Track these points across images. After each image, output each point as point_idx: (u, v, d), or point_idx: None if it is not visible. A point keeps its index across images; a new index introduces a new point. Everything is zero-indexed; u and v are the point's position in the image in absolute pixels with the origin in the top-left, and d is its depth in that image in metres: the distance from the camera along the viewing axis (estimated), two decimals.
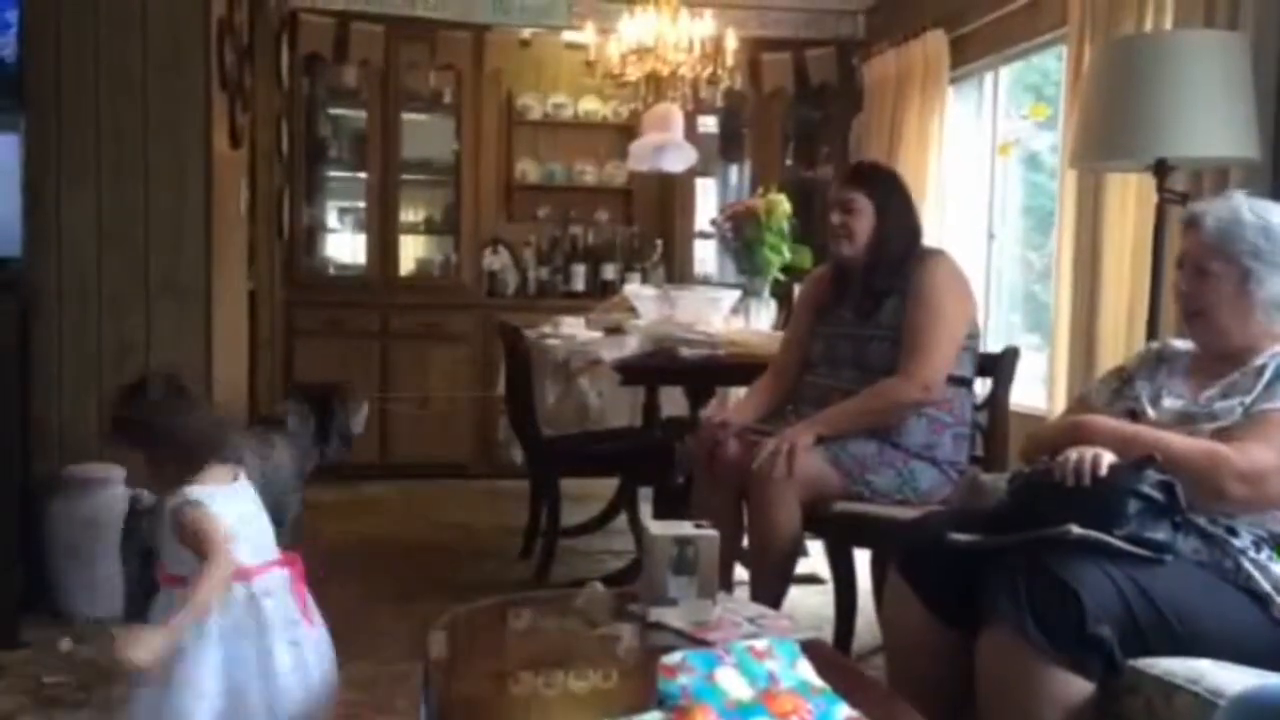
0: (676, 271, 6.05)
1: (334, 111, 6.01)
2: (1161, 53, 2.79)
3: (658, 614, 1.90)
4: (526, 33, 5.94)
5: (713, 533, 1.98)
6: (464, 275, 5.97)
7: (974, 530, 1.92)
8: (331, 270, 6.04)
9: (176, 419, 1.88)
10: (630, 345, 3.57)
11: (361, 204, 5.94)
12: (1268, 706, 1.45)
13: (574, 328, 4.07)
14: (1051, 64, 4.62)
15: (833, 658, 1.84)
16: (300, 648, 1.90)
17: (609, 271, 6.05)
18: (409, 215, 6.03)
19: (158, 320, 3.50)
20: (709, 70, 4.58)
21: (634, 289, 4.35)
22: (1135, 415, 2.03)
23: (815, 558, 3.44)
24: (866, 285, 2.88)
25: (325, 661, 1.96)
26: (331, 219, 6.11)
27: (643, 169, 5.13)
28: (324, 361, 5.33)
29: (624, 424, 4.31)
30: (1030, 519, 1.82)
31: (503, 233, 6.08)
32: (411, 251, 6.10)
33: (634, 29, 4.55)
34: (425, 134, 6.03)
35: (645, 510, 4.00)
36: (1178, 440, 1.91)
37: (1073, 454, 1.85)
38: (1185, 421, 1.96)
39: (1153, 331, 2.83)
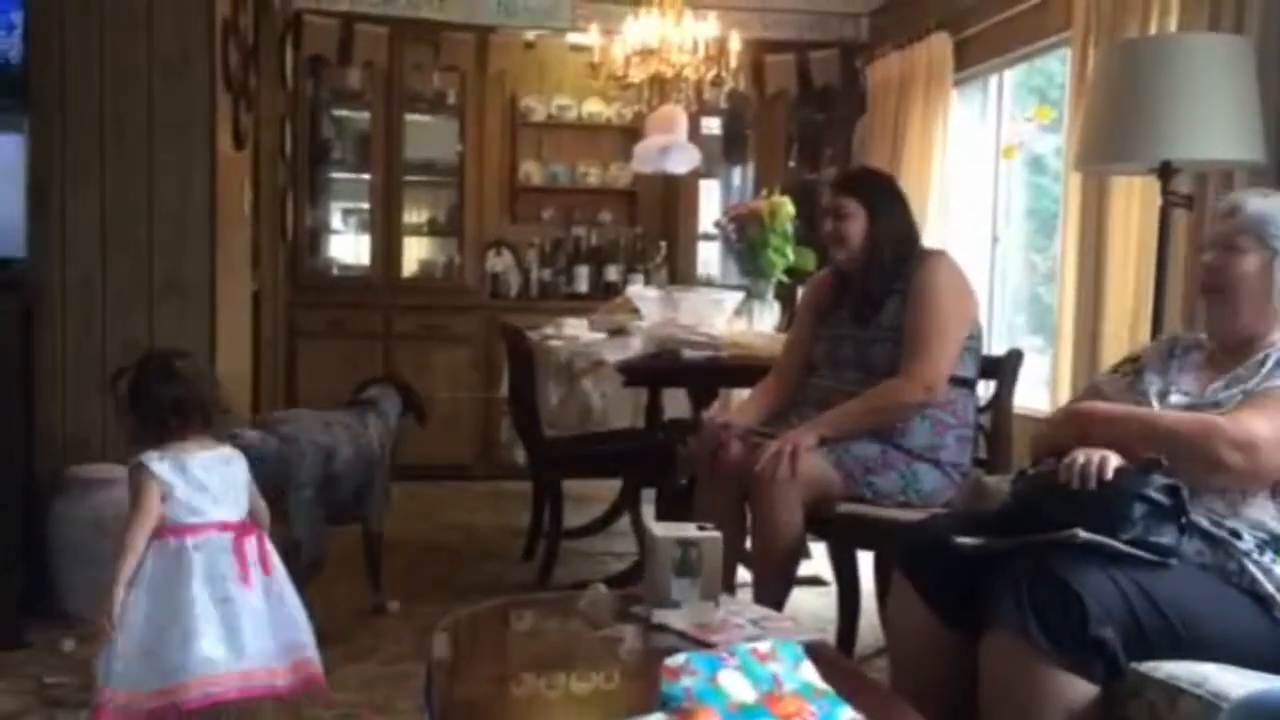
0: (680, 273, 6.05)
1: (338, 113, 6.01)
2: (1166, 56, 2.79)
3: (661, 616, 1.90)
4: (530, 34, 5.94)
5: (716, 534, 1.98)
6: (467, 276, 5.98)
7: (978, 532, 1.92)
8: (335, 271, 6.04)
9: (147, 390, 2.13)
10: (633, 347, 3.56)
11: (365, 205, 5.95)
12: (1271, 710, 1.44)
13: (577, 329, 4.07)
14: (1056, 67, 4.62)
15: (836, 660, 1.84)
16: (230, 604, 2.07)
17: (612, 273, 6.05)
18: (412, 216, 6.03)
19: (161, 320, 3.50)
20: (713, 72, 4.59)
21: (637, 290, 4.35)
22: None
23: (818, 560, 3.44)
24: (864, 289, 2.89)
25: (265, 628, 2.10)
26: (335, 220, 6.11)
27: (647, 170, 5.14)
28: (327, 363, 5.33)
29: (627, 425, 4.31)
30: (1035, 522, 1.82)
31: (506, 234, 6.08)
32: (415, 253, 6.11)
33: (638, 31, 4.56)
34: (429, 135, 6.04)
35: (648, 512, 4.00)
36: (1170, 415, 1.93)
37: (1079, 457, 1.84)
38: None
39: (1156, 334, 2.82)
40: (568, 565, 3.88)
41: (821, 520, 2.73)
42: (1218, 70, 2.71)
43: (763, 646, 1.55)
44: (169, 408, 2.12)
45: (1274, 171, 2.87)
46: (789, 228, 3.99)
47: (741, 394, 4.12)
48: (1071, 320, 3.86)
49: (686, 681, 1.46)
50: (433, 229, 6.14)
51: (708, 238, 6.12)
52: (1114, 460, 1.83)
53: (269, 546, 2.18)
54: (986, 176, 5.03)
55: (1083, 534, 1.75)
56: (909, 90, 5.23)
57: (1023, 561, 1.78)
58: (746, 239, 4.00)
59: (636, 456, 3.90)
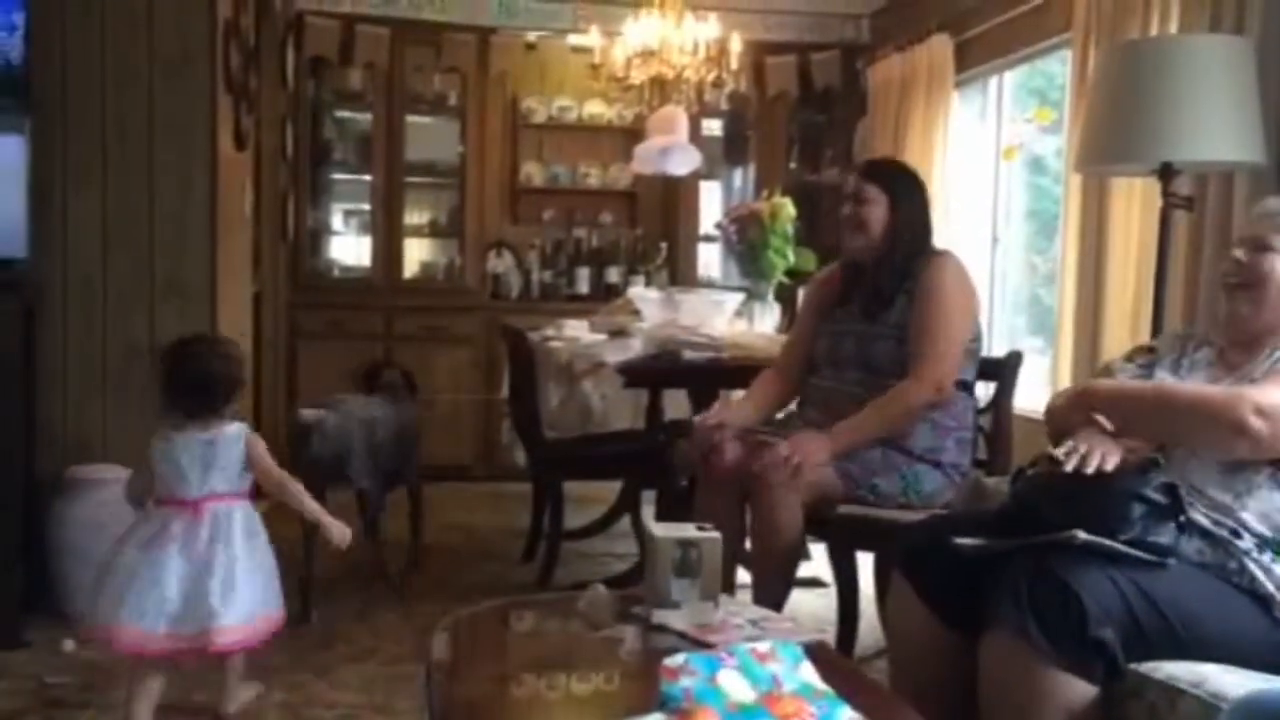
0: (680, 274, 6.05)
1: (339, 114, 6.02)
2: (1167, 57, 2.79)
3: (660, 616, 1.90)
4: (532, 36, 5.95)
5: (715, 535, 1.98)
6: (468, 278, 5.98)
7: (977, 533, 1.92)
8: (336, 272, 6.04)
9: (166, 370, 2.51)
10: (634, 348, 3.57)
11: (366, 206, 5.96)
12: (1271, 711, 1.44)
13: (577, 330, 4.07)
14: (1056, 68, 4.62)
15: (835, 660, 1.84)
16: (193, 564, 2.38)
17: (613, 274, 6.05)
18: (413, 218, 6.04)
19: (162, 321, 3.51)
20: (713, 74, 4.59)
21: (638, 292, 4.35)
22: None
23: (818, 561, 3.44)
24: (875, 282, 2.86)
25: (228, 588, 2.38)
26: (336, 221, 6.11)
27: (647, 172, 5.14)
28: (328, 364, 5.33)
29: (627, 427, 4.31)
30: (1034, 523, 1.82)
31: (507, 235, 6.09)
32: (416, 254, 6.11)
33: (639, 32, 4.56)
34: (430, 136, 6.04)
35: (648, 513, 3.99)
36: (1188, 386, 1.94)
37: (1081, 447, 1.85)
38: None
39: (1157, 334, 2.82)
40: (568, 566, 3.88)
41: (821, 522, 2.73)
42: (1218, 71, 2.71)
43: (762, 647, 1.55)
44: (175, 394, 2.48)
45: (1274, 172, 2.87)
46: (790, 229, 3.99)
47: (741, 395, 4.14)
48: (1072, 322, 3.86)
49: (686, 682, 1.46)
50: (434, 230, 6.14)
51: (708, 239, 6.12)
52: (1114, 458, 1.83)
53: (231, 516, 2.44)
54: (987, 178, 5.03)
55: (1082, 535, 1.75)
56: (910, 92, 5.23)
57: (1022, 562, 1.78)
58: (747, 240, 4.00)
59: (637, 458, 3.90)
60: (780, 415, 3.04)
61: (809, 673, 1.53)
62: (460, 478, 5.46)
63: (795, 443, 2.67)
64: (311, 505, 2.57)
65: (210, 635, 2.38)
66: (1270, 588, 1.79)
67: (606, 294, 5.69)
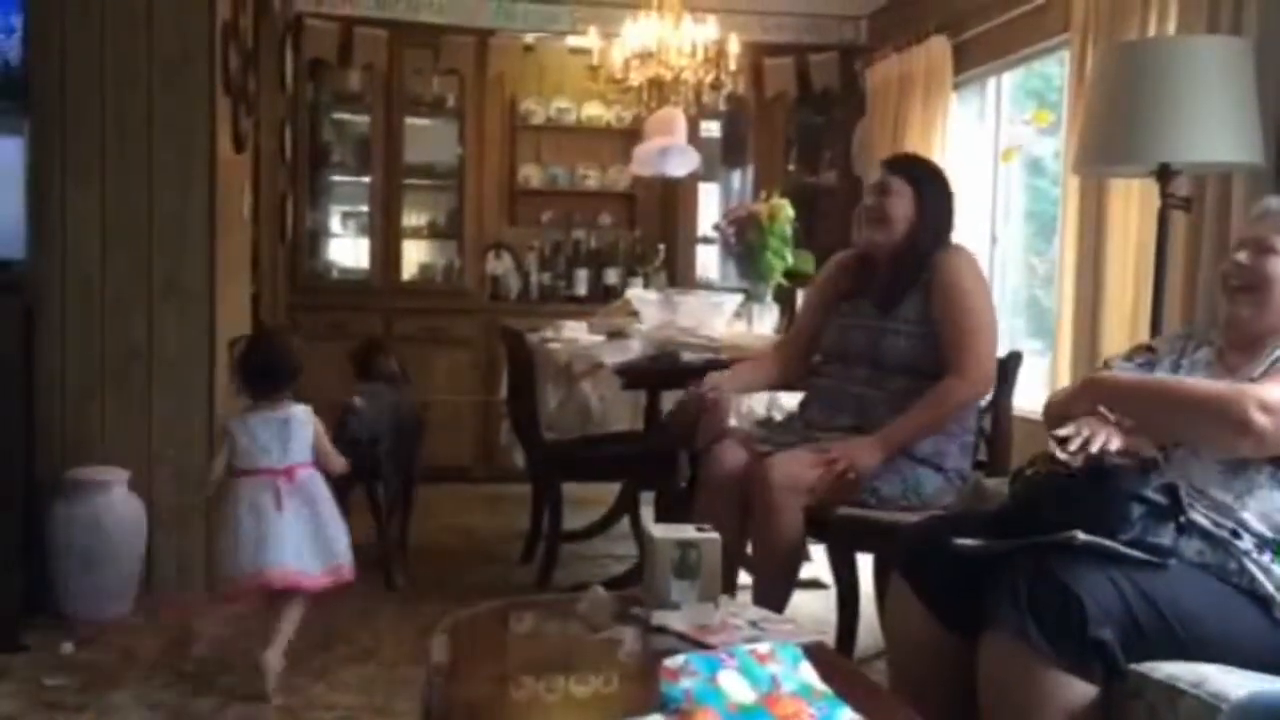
0: (679, 276, 6.05)
1: (338, 116, 6.02)
2: (1165, 58, 2.79)
3: (660, 617, 1.90)
4: (530, 37, 5.95)
5: (715, 536, 1.97)
6: (467, 279, 5.98)
7: (977, 534, 1.92)
8: (334, 274, 6.04)
9: (242, 357, 2.93)
10: (632, 349, 3.57)
11: (365, 208, 5.96)
12: (1271, 711, 1.44)
13: (576, 332, 4.07)
14: (1054, 69, 4.63)
15: (835, 661, 1.84)
16: (262, 521, 2.74)
17: (611, 276, 6.05)
18: (412, 219, 6.04)
19: (161, 322, 3.50)
20: (712, 75, 4.59)
21: (636, 293, 4.35)
22: None
23: (818, 563, 3.44)
24: (893, 275, 2.83)
25: (288, 541, 2.75)
26: (335, 223, 6.11)
27: (646, 173, 5.14)
28: (327, 365, 5.30)
29: (626, 428, 4.31)
30: (1033, 523, 1.82)
31: (505, 237, 6.09)
32: (414, 256, 6.11)
33: (637, 34, 4.56)
34: (428, 138, 6.04)
35: (647, 514, 3.99)
36: (1190, 381, 1.94)
37: (1084, 430, 1.85)
38: None
39: (1155, 335, 2.83)
40: (567, 567, 3.88)
41: (821, 523, 2.73)
42: (1216, 72, 2.71)
43: (762, 648, 1.55)
44: (247, 379, 2.88)
45: (1272, 173, 2.87)
46: (788, 230, 3.99)
47: (742, 397, 4.14)
48: (1070, 323, 3.87)
49: (686, 683, 1.46)
50: (432, 232, 6.14)
51: (707, 240, 6.12)
52: (1116, 440, 1.83)
53: (314, 480, 2.83)
54: (985, 179, 5.03)
55: (1081, 535, 1.75)
56: (908, 93, 5.24)
57: (1021, 563, 1.78)
58: (745, 242, 4.01)
59: (635, 459, 3.90)
60: (779, 417, 3.04)
61: (809, 673, 1.53)
62: (459, 479, 5.46)
63: (844, 450, 2.64)
64: (340, 461, 2.97)
65: (342, 571, 2.85)
66: (1270, 588, 1.79)
67: (605, 295, 5.69)
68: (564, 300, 5.89)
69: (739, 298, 4.01)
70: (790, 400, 3.39)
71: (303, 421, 2.84)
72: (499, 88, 5.99)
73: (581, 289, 6.02)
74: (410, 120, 5.93)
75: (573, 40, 5.64)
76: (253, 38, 4.24)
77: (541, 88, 6.08)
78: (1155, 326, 2.88)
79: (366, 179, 5.92)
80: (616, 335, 3.78)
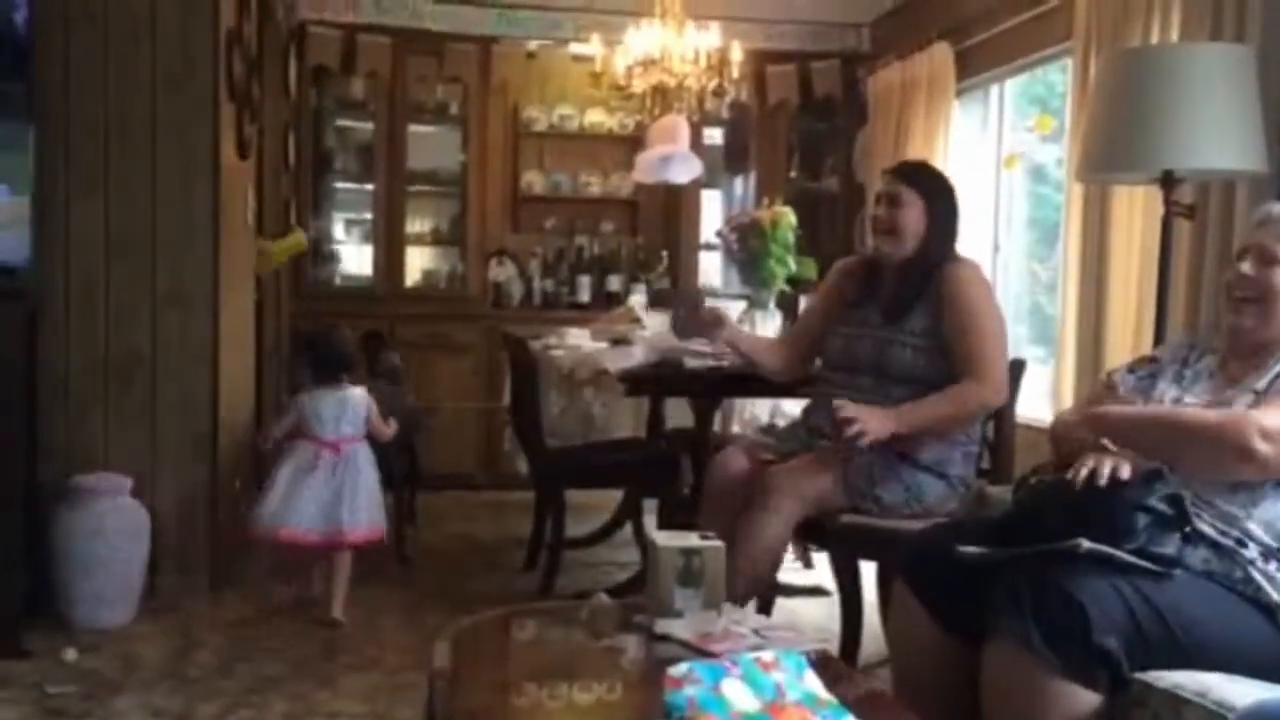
0: (681, 283, 6.04)
1: (341, 123, 6.02)
2: (1168, 65, 2.79)
3: (664, 625, 1.89)
4: (533, 45, 5.96)
5: (718, 543, 1.97)
6: (470, 286, 5.98)
7: (980, 541, 1.92)
8: (338, 281, 6.05)
9: (310, 350, 3.56)
10: (635, 356, 3.56)
11: (368, 215, 5.97)
12: None
13: (579, 338, 4.07)
14: (1057, 77, 4.63)
15: (839, 669, 1.84)
16: (296, 482, 3.31)
17: (614, 283, 6.05)
18: (415, 226, 6.04)
19: (164, 329, 3.51)
20: (714, 82, 4.60)
21: (639, 300, 4.35)
22: None
23: (820, 570, 3.43)
24: (899, 285, 2.82)
25: (356, 503, 3.32)
26: (338, 230, 6.12)
27: (649, 180, 5.14)
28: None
29: (628, 435, 4.30)
30: (1037, 532, 1.82)
31: (508, 244, 6.09)
32: (418, 262, 6.11)
33: (640, 41, 4.57)
34: (432, 145, 6.05)
35: (650, 522, 3.99)
36: (1192, 410, 1.94)
37: (1090, 462, 1.84)
38: None
39: (1159, 343, 2.82)
40: (570, 575, 3.87)
41: (824, 531, 2.72)
42: (1220, 80, 2.71)
43: (766, 656, 1.55)
44: (313, 360, 3.50)
45: (1276, 180, 2.87)
46: (790, 237, 3.99)
47: (744, 404, 4.14)
48: (1074, 330, 3.86)
49: (690, 691, 1.46)
50: (435, 239, 6.14)
51: (709, 247, 6.11)
52: (1126, 469, 1.83)
53: (357, 453, 3.38)
54: (988, 186, 5.03)
55: (1086, 544, 1.74)
56: (910, 100, 5.24)
57: (1025, 571, 1.78)
58: (748, 249, 4.01)
59: (638, 466, 3.90)
60: (782, 424, 3.04)
61: (813, 682, 1.53)
62: (462, 486, 5.46)
63: (859, 412, 2.60)
64: (388, 431, 3.53)
65: (344, 536, 3.30)
66: (1276, 597, 1.79)
67: (608, 302, 5.69)
68: (567, 307, 5.89)
69: (742, 305, 4.01)
70: (793, 407, 3.40)
71: (358, 401, 3.42)
72: (502, 95, 6.00)
73: (584, 296, 6.02)
74: (413, 127, 5.94)
75: (575, 47, 5.64)
76: (257, 45, 4.25)
77: (544, 95, 6.09)
78: (1159, 334, 2.87)
79: (370, 186, 5.93)
80: (619, 342, 3.78)
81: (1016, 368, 2.99)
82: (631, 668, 1.83)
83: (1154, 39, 3.44)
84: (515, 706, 1.72)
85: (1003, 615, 1.75)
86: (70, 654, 3.03)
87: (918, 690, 2.02)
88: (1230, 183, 3.06)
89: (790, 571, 3.84)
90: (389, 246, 5.89)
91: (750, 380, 3.28)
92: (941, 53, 4.99)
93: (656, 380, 3.54)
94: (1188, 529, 1.79)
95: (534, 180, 6.12)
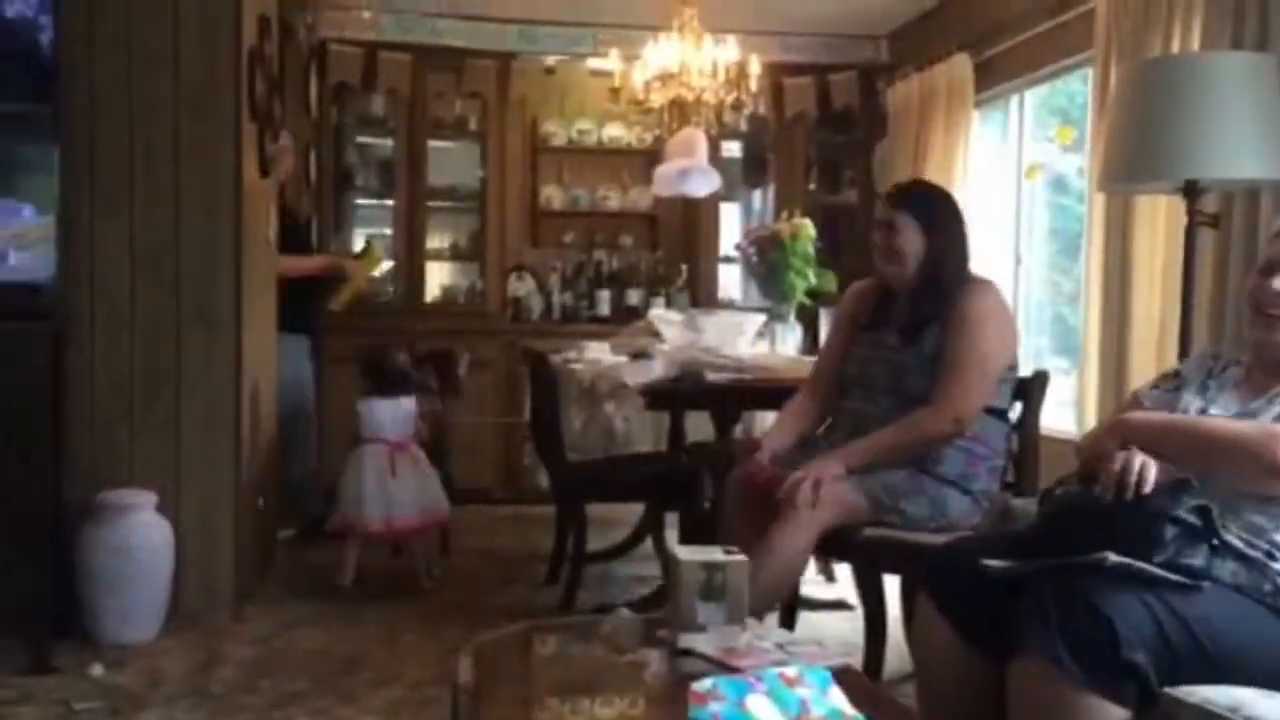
0: (701, 296, 6.06)
1: (362, 139, 6.07)
2: (1190, 74, 2.78)
3: (687, 640, 1.89)
4: (551, 60, 5.99)
5: (741, 558, 1.97)
6: (489, 301, 6.01)
7: (1004, 554, 1.90)
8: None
9: (369, 367, 4.08)
10: (656, 370, 3.56)
11: (388, 231, 6.00)
12: None
13: (599, 352, 4.08)
14: (1077, 87, 4.62)
15: (864, 685, 1.83)
16: (382, 482, 3.86)
17: (633, 297, 6.07)
18: (435, 242, 6.08)
19: (188, 347, 3.53)
20: (733, 96, 4.61)
21: (659, 313, 4.35)
22: None
23: (843, 584, 3.42)
24: (912, 308, 2.81)
25: (405, 498, 3.90)
26: (359, 246, 6.14)
27: (667, 194, 5.15)
28: (349, 387, 5.34)
29: (649, 449, 4.30)
30: (1063, 545, 1.80)
31: (528, 258, 6.11)
32: (438, 277, 6.14)
33: (658, 56, 4.59)
34: (451, 161, 6.09)
35: (671, 536, 3.98)
36: (1220, 422, 1.92)
37: (1117, 463, 1.83)
38: None
39: (1184, 354, 2.80)
40: (591, 589, 3.87)
41: (847, 544, 2.71)
42: (1242, 88, 2.69)
43: (791, 671, 1.54)
44: (374, 378, 4.03)
45: None
46: (810, 249, 3.98)
47: (764, 416, 4.13)
48: (1097, 341, 3.84)
49: (714, 706, 1.45)
50: (455, 254, 6.17)
51: (728, 260, 6.13)
52: (1154, 468, 1.81)
53: (414, 452, 3.96)
54: (1008, 197, 5.02)
55: (1113, 557, 1.73)
56: (929, 112, 5.23)
57: (1051, 585, 1.76)
58: (768, 261, 4.00)
59: (659, 480, 3.89)
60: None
61: (838, 697, 1.52)
62: (483, 500, 5.47)
63: (810, 466, 2.66)
64: (422, 432, 4.09)
65: (411, 521, 3.90)
66: None
67: (627, 316, 5.69)
68: (586, 321, 5.91)
69: (762, 317, 4.00)
70: None
71: (409, 409, 3.98)
72: (521, 110, 6.03)
73: (603, 310, 6.03)
74: (433, 143, 5.98)
75: (594, 62, 5.67)
76: (278, 64, 4.28)
77: (563, 110, 6.12)
78: (1184, 344, 2.85)
79: (390, 202, 5.97)
80: (640, 356, 3.78)
81: (1039, 380, 2.97)
82: (655, 683, 1.83)
83: (1175, 48, 3.43)
84: None
85: (1029, 629, 1.73)
86: (96, 669, 3.05)
87: (943, 705, 2.01)
88: (1254, 191, 3.04)
89: (813, 585, 3.83)
90: (409, 262, 5.93)
91: (771, 393, 3.28)
92: (961, 64, 4.99)
93: (677, 394, 3.54)
94: (1216, 541, 1.77)
95: (553, 195, 6.14)
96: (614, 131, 6.12)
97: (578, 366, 3.97)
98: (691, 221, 6.18)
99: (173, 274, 3.52)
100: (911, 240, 2.79)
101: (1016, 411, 2.97)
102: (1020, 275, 4.94)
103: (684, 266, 6.13)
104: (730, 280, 6.27)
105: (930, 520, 2.70)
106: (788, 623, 3.17)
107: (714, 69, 4.56)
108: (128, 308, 3.50)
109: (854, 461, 2.69)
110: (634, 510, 4.41)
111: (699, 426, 3.87)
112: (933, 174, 5.09)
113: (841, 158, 6.37)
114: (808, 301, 4.11)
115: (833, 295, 4.01)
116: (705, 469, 3.38)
